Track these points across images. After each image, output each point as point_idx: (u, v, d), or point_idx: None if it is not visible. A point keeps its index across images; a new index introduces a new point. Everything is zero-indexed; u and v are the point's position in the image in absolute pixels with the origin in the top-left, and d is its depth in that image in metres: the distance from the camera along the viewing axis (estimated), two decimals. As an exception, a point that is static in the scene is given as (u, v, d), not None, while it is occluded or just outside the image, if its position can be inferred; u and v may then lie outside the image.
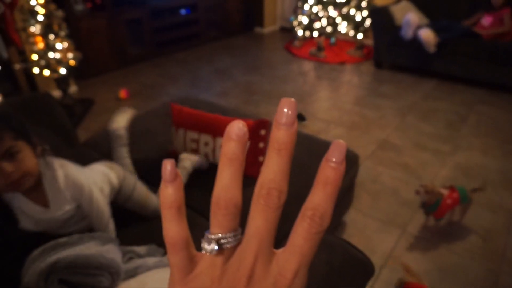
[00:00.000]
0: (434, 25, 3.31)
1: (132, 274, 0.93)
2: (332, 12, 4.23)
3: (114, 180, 1.11)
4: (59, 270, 0.77)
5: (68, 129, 1.59)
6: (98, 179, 1.05)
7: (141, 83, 3.55)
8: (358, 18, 4.14)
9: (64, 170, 0.96)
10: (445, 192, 1.68)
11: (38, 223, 0.93)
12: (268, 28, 5.30)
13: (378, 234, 1.77)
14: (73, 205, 0.96)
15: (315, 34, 4.38)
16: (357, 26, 4.19)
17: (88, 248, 0.83)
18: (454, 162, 2.31)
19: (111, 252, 0.88)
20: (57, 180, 0.93)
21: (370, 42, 4.18)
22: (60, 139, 1.51)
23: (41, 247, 0.82)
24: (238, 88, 3.43)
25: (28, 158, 0.86)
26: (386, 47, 3.68)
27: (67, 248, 0.81)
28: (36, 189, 0.91)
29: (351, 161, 1.58)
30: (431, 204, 1.67)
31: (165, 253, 1.05)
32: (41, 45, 2.68)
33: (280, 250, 0.23)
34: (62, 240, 0.83)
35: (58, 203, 0.94)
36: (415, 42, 3.42)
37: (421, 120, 2.81)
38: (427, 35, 3.19)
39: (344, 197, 1.63)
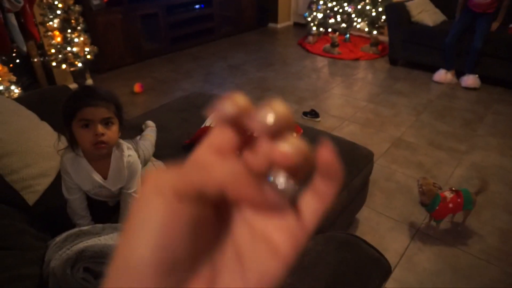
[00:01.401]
0: (456, 31, 3.21)
1: None
2: (347, 7, 4.19)
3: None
4: (85, 259, 0.79)
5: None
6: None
7: (155, 78, 3.58)
8: (373, 14, 4.08)
9: (130, 152, 1.13)
10: (449, 195, 1.65)
11: (95, 185, 1.09)
12: (282, 23, 5.27)
13: (391, 233, 1.76)
14: (124, 183, 1.11)
15: (329, 30, 4.34)
16: (372, 22, 4.14)
17: (113, 239, 0.85)
18: (470, 161, 2.27)
19: None
20: (123, 160, 1.09)
21: (385, 38, 4.12)
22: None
23: (64, 233, 0.84)
24: (251, 84, 3.43)
25: (115, 132, 1.04)
26: (401, 44, 3.62)
27: (90, 236, 0.83)
28: (102, 161, 1.07)
29: (366, 158, 1.57)
30: (427, 204, 1.66)
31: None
32: (59, 39, 2.73)
33: None
34: (85, 228, 0.86)
35: (114, 180, 1.09)
36: (430, 38, 3.37)
37: (436, 119, 2.77)
38: (474, 83, 3.22)
39: (358, 195, 1.62)
